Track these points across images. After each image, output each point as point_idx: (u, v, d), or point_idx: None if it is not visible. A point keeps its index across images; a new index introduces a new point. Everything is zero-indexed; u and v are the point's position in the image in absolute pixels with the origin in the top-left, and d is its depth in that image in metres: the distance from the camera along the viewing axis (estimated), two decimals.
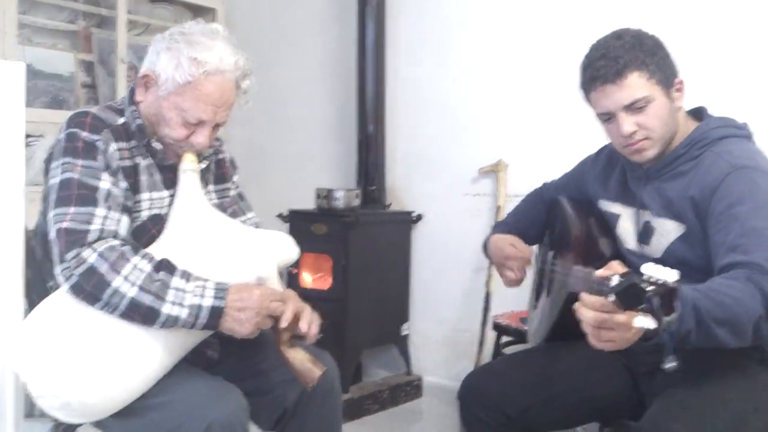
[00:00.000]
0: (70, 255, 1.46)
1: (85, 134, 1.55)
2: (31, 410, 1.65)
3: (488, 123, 3.20)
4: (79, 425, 1.68)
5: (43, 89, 3.50)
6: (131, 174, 1.62)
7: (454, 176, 3.30)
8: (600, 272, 1.27)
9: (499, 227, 2.03)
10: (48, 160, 1.61)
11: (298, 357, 1.62)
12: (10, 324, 1.57)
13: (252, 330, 1.54)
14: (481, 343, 3.01)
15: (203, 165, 1.75)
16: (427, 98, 3.41)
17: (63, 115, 1.68)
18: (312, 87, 3.83)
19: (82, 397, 1.44)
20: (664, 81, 1.57)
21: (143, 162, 1.65)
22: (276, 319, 1.57)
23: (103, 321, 1.48)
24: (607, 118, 1.61)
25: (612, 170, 1.78)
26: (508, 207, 2.99)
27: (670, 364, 1.18)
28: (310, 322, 1.61)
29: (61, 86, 3.57)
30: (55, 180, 1.53)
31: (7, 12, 3.20)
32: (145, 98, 1.66)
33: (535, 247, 2.01)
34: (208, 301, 1.50)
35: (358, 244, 3.21)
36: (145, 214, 1.64)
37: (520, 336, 2.64)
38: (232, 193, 1.87)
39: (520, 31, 3.12)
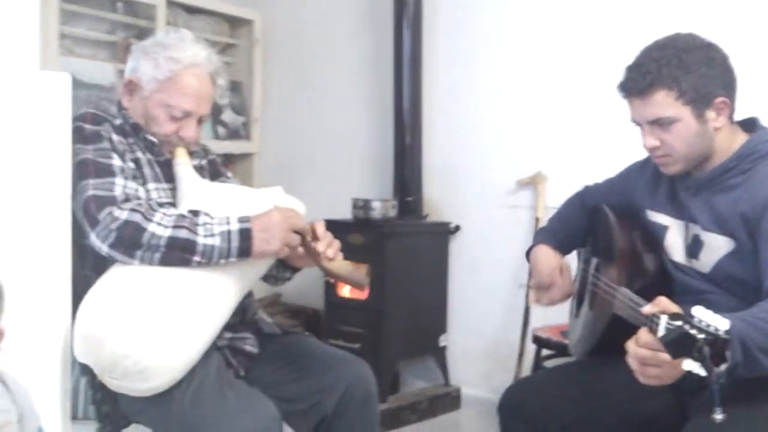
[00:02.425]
0: (102, 215, 1.55)
1: (88, 126, 1.69)
2: (75, 412, 1.69)
3: (527, 134, 3.18)
4: (124, 426, 1.71)
5: (84, 99, 3.53)
6: (135, 166, 1.73)
7: (492, 188, 3.28)
8: (647, 309, 1.26)
9: (543, 234, 2.00)
10: None
11: (341, 265, 1.71)
12: (60, 325, 1.60)
13: (280, 246, 1.63)
14: (521, 356, 2.98)
15: (195, 161, 1.86)
16: (464, 109, 3.39)
17: None
18: (348, 98, 3.83)
19: (150, 356, 1.50)
20: (697, 101, 1.53)
21: (143, 157, 1.76)
22: (302, 236, 1.67)
23: (157, 284, 1.57)
24: (637, 124, 1.62)
25: (660, 179, 1.74)
26: (547, 219, 2.97)
27: (719, 416, 1.14)
28: (328, 244, 1.70)
29: (102, 96, 3.61)
30: (72, 165, 1.63)
31: (50, 23, 3.25)
32: (131, 103, 1.80)
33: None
34: (235, 226, 1.60)
35: (394, 254, 3.21)
36: (154, 203, 1.72)
37: (560, 349, 2.61)
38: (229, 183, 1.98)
39: (558, 41, 3.10)
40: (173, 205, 1.74)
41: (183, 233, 1.56)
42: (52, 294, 1.59)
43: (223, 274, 1.63)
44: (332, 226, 3.29)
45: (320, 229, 1.72)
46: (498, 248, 3.24)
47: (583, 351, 1.84)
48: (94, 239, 1.56)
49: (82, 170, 1.62)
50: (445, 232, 3.41)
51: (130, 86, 1.79)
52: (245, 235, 1.59)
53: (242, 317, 1.81)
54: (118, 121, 1.77)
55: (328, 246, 1.70)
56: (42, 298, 1.57)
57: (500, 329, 3.26)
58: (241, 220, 1.62)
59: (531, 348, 2.85)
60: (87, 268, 1.70)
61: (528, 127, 3.18)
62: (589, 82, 2.98)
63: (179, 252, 1.56)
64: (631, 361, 1.26)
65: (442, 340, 3.39)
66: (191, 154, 1.84)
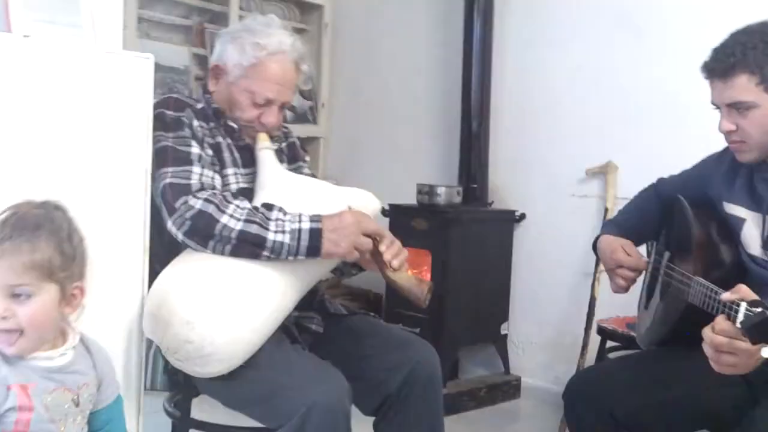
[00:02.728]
0: (178, 203, 1.59)
1: (170, 112, 1.72)
2: (151, 384, 1.76)
3: (597, 123, 3.13)
4: (194, 396, 1.77)
5: (159, 81, 3.60)
6: (215, 150, 1.76)
7: (560, 176, 3.24)
8: (727, 296, 1.24)
9: (610, 225, 1.98)
10: None
11: (404, 277, 1.68)
12: (134, 298, 1.65)
13: (349, 249, 1.63)
14: (584, 347, 2.95)
15: (275, 146, 1.86)
16: (533, 97, 3.36)
17: None
18: (416, 83, 3.83)
19: (212, 343, 1.52)
20: None
21: (224, 141, 1.79)
22: (374, 241, 1.66)
23: (226, 273, 1.60)
24: (716, 107, 1.60)
25: (738, 171, 1.71)
26: (617, 210, 2.92)
27: None
28: (395, 254, 1.68)
29: (176, 79, 3.70)
30: (151, 153, 1.66)
31: (128, 7, 3.34)
32: (216, 88, 1.83)
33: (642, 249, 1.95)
34: (306, 225, 1.61)
35: (458, 240, 3.21)
36: (234, 187, 1.77)
37: (626, 341, 2.57)
38: (305, 171, 1.99)
39: (632, 27, 3.04)
40: (251, 190, 1.76)
41: (253, 228, 1.58)
42: (129, 269, 1.63)
43: (291, 268, 1.64)
44: (396, 210, 3.37)
45: (390, 237, 1.71)
46: (564, 238, 3.21)
47: (651, 342, 1.82)
48: (170, 226, 1.61)
49: (161, 158, 1.66)
50: (510, 219, 3.39)
51: (216, 71, 1.82)
52: (315, 234, 1.60)
53: (309, 297, 1.83)
54: (200, 105, 1.79)
55: (395, 256, 1.69)
56: (120, 272, 1.62)
57: (563, 319, 3.24)
58: (313, 219, 1.62)
59: (595, 339, 2.82)
60: (164, 245, 1.74)
61: (599, 115, 3.13)
62: (664, 70, 2.92)
63: (249, 246, 1.58)
64: (707, 349, 1.24)
65: (504, 329, 3.38)
66: (272, 138, 1.85)
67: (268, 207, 1.64)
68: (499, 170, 3.47)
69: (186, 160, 1.67)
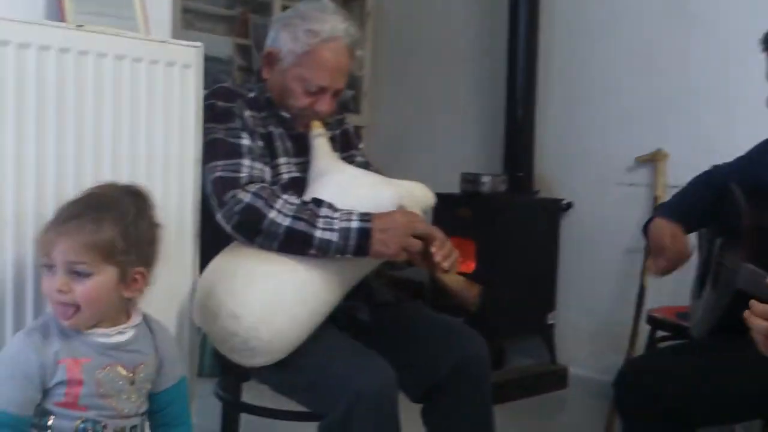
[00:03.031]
0: (227, 197, 1.59)
1: (221, 103, 1.72)
2: (201, 370, 1.77)
3: (647, 110, 3.08)
4: (244, 381, 1.78)
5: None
6: (267, 140, 1.75)
7: (608, 165, 3.19)
8: None
9: (663, 208, 1.94)
10: None
11: (454, 280, 1.66)
12: (186, 286, 1.67)
13: (398, 250, 1.60)
14: (634, 337, 2.91)
15: (329, 133, 1.85)
16: (581, 82, 3.31)
17: None
18: (459, 71, 3.81)
19: (257, 338, 1.53)
20: None
21: (275, 131, 1.78)
22: (425, 243, 1.62)
23: (273, 268, 1.59)
24: None
25: None
26: (667, 198, 2.87)
27: None
28: (446, 255, 1.64)
29: (220, 69, 3.73)
30: (202, 144, 1.67)
31: None
32: (270, 75, 1.81)
33: (693, 237, 1.91)
34: (355, 224, 1.58)
35: (503, 230, 3.19)
36: (285, 177, 1.76)
37: (676, 331, 2.53)
38: (358, 159, 1.96)
39: (678, 13, 2.98)
40: (303, 180, 1.76)
41: (301, 225, 1.57)
42: (180, 258, 1.65)
43: (339, 264, 1.62)
44: (441, 199, 3.31)
45: (441, 237, 1.66)
46: (612, 227, 3.17)
47: (704, 331, 1.79)
48: (220, 219, 1.61)
49: (211, 150, 1.66)
50: (556, 208, 3.35)
51: (269, 58, 1.80)
52: (364, 234, 1.58)
53: (356, 286, 1.82)
54: (251, 95, 1.79)
55: (446, 257, 1.64)
56: (172, 260, 1.62)
57: (612, 309, 3.20)
58: (363, 218, 1.59)
59: (644, 329, 2.78)
60: (214, 234, 1.75)
61: (649, 102, 3.07)
62: (715, 55, 2.86)
63: (296, 243, 1.57)
64: (754, 334, 1.21)
65: (550, 318, 3.35)
66: (325, 125, 1.84)
67: (318, 203, 1.62)
68: (545, 158, 3.43)
69: (236, 152, 1.66)
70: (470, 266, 3.24)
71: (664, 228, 1.83)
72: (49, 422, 1.25)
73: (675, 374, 1.65)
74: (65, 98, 1.45)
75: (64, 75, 1.45)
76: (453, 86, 3.84)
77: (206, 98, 1.71)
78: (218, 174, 1.63)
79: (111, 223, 1.25)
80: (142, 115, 1.56)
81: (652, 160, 3.04)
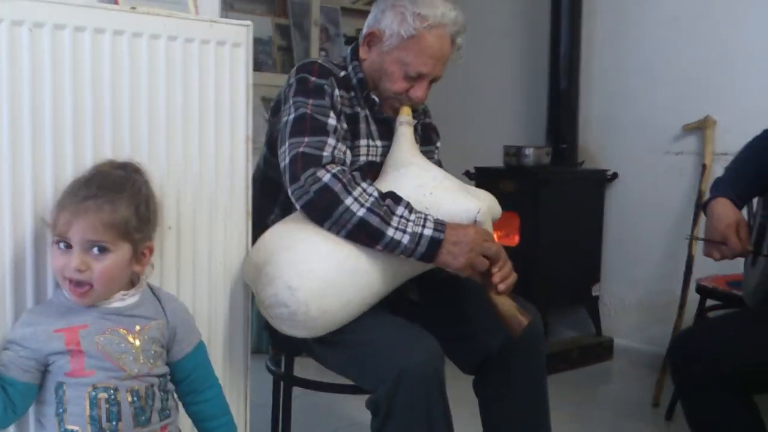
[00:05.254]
0: (306, 174, 1.56)
1: (313, 78, 1.68)
2: (256, 347, 1.79)
3: (694, 77, 3.03)
4: (296, 355, 1.80)
5: None
6: (351, 121, 1.73)
7: (655, 134, 3.15)
8: None
9: (722, 186, 1.86)
10: (274, 111, 1.75)
11: (506, 303, 1.62)
12: (237, 262, 1.68)
13: (464, 264, 1.57)
14: (682, 307, 2.88)
15: (415, 122, 1.82)
16: (626, 50, 3.27)
17: (262, 77, 1.78)
18: (502, 42, 3.77)
19: (305, 313, 1.53)
20: None
21: (362, 112, 1.76)
22: (490, 261, 1.60)
23: (336, 246, 1.57)
24: None
25: None
26: (716, 167, 2.84)
27: None
28: (504, 278, 1.61)
29: (260, 49, 3.74)
30: (289, 117, 1.65)
31: None
32: (368, 55, 1.77)
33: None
34: (428, 231, 1.56)
35: (547, 202, 3.17)
36: (362, 159, 1.75)
37: (727, 300, 2.50)
38: (435, 157, 1.94)
39: None
40: (380, 165, 1.75)
41: (375, 220, 1.54)
42: (232, 235, 1.66)
43: (401, 260, 1.60)
44: (483, 173, 3.34)
45: (504, 258, 1.62)
46: (659, 196, 3.14)
47: (760, 299, 1.77)
48: (291, 194, 1.59)
49: (298, 126, 1.63)
50: (601, 179, 3.33)
51: (370, 38, 1.76)
52: (435, 244, 1.56)
53: None
54: (342, 74, 1.75)
55: (503, 279, 1.61)
56: (224, 237, 1.66)
57: (658, 279, 3.18)
58: (437, 227, 1.57)
59: (693, 298, 2.76)
60: (278, 204, 1.77)
61: (696, 68, 3.02)
62: (764, 19, 2.80)
63: (365, 235, 1.55)
64: None
65: (596, 290, 3.34)
66: (414, 113, 1.81)
67: (396, 200, 1.59)
68: (589, 129, 3.40)
69: (323, 130, 1.62)
70: (514, 240, 3.24)
71: (729, 216, 1.76)
72: (64, 396, 1.29)
73: (732, 343, 1.64)
74: (120, 80, 1.47)
75: (119, 57, 1.47)
76: (495, 57, 3.80)
77: (298, 71, 1.69)
78: (302, 150, 1.59)
79: (127, 202, 1.30)
80: (195, 95, 1.58)
81: (700, 128, 2.99)
